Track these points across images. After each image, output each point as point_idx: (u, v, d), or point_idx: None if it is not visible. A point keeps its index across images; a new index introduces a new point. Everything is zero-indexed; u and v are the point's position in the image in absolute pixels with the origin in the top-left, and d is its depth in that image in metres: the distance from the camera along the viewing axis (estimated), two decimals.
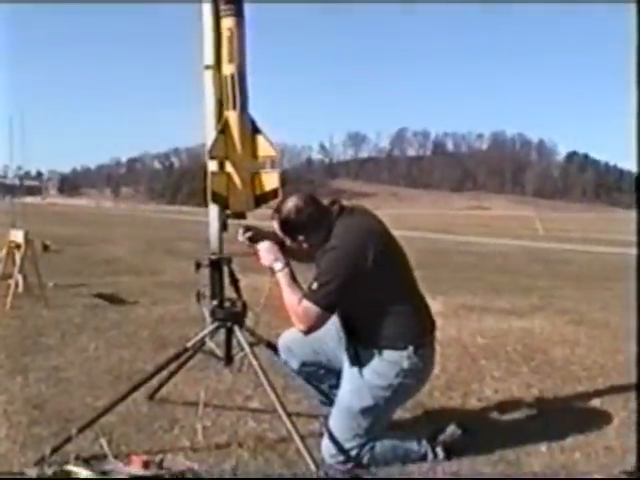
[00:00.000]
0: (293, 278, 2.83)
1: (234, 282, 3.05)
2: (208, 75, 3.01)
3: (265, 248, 2.90)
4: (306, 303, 2.69)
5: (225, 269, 3.01)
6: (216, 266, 3.00)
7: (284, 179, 3.09)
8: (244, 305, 3.06)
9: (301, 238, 2.82)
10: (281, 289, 2.81)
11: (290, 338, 3.08)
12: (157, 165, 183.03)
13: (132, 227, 26.57)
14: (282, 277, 2.81)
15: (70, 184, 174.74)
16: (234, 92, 2.94)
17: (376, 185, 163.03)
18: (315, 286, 2.68)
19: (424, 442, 2.93)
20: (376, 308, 2.76)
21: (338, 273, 2.67)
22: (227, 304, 3.04)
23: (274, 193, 3.02)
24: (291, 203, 2.82)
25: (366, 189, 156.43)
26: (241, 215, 3.02)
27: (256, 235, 2.96)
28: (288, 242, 2.88)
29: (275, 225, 2.86)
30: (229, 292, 3.10)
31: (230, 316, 3.02)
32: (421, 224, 36.87)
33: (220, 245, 3.03)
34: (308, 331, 2.73)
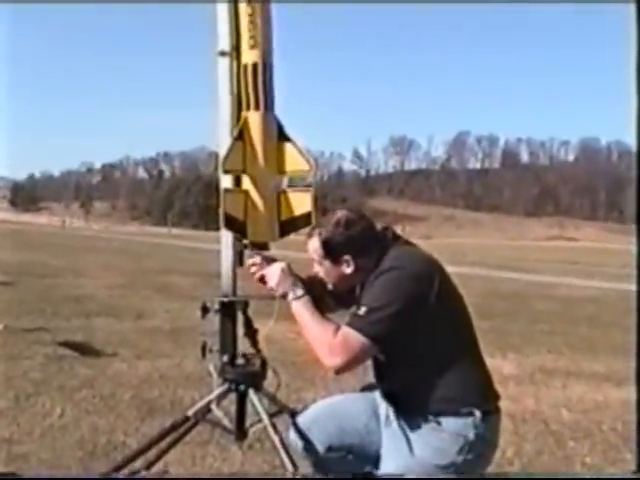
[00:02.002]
0: (318, 308, 2.86)
1: (251, 332, 3.08)
2: (223, 64, 3.07)
3: (280, 269, 2.93)
4: (347, 330, 2.69)
5: (239, 315, 3.05)
6: (228, 311, 3.03)
7: (317, 199, 3.13)
8: (263, 363, 3.08)
9: (347, 258, 2.85)
10: (302, 322, 2.81)
11: (311, 417, 3.07)
12: (142, 173, 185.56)
13: (109, 254, 26.83)
14: (303, 305, 2.83)
15: (26, 195, 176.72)
16: (256, 86, 3.00)
17: (427, 206, 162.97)
18: (363, 311, 2.69)
19: None
20: (433, 358, 2.76)
21: (398, 297, 2.68)
22: (241, 361, 3.06)
23: (306, 218, 3.04)
24: (340, 214, 2.88)
25: (413, 211, 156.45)
26: (262, 246, 3.05)
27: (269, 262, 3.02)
28: (326, 276, 2.91)
29: (313, 243, 2.89)
30: (243, 343, 3.13)
31: (244, 377, 3.05)
32: (485, 258, 36.69)
33: (234, 284, 3.06)
34: (344, 366, 2.69)
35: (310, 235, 2.92)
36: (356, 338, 2.66)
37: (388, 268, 2.74)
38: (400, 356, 2.78)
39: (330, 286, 2.97)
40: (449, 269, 2.91)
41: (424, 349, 2.76)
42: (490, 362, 3.02)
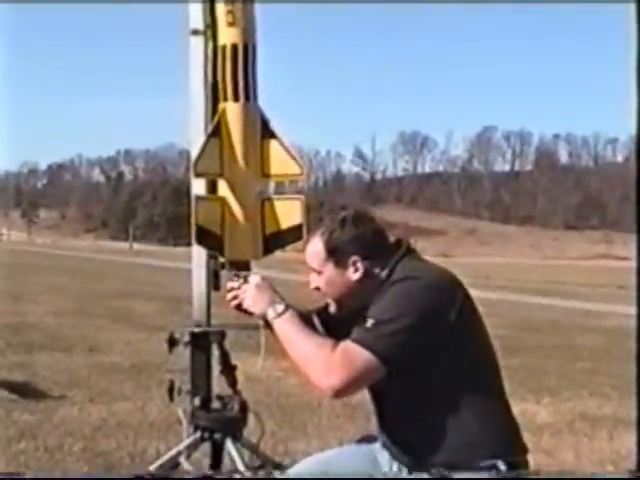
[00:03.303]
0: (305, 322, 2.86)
1: (228, 370, 3.09)
2: (195, 45, 3.10)
3: (253, 286, 2.91)
4: (348, 344, 2.66)
5: (215, 349, 3.06)
6: (201, 344, 3.04)
7: (309, 208, 3.15)
8: (243, 406, 3.10)
9: (354, 259, 2.85)
10: (288, 341, 2.79)
11: (300, 474, 3.05)
12: (97, 176, 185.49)
13: (56, 274, 26.79)
14: (288, 321, 2.81)
15: None
16: (236, 72, 3.02)
17: (444, 217, 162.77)
18: (369, 323, 2.67)
19: None
20: (449, 391, 2.76)
21: (412, 309, 2.67)
22: (216, 404, 3.07)
23: (295, 232, 3.06)
24: (346, 212, 2.92)
25: (428, 223, 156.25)
26: (243, 265, 3.07)
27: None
28: (327, 286, 2.90)
29: (314, 245, 2.89)
30: (219, 383, 3.14)
31: (220, 423, 3.06)
32: (515, 281, 36.73)
33: (208, 311, 3.08)
34: (344, 387, 2.65)
35: (309, 239, 2.93)
36: (359, 353, 2.63)
37: (402, 278, 2.75)
38: (409, 385, 2.76)
39: (332, 307, 2.96)
40: (471, 293, 2.91)
41: (439, 378, 2.75)
42: (520, 407, 3.03)
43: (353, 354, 2.63)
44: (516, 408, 2.95)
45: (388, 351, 2.63)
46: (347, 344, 2.65)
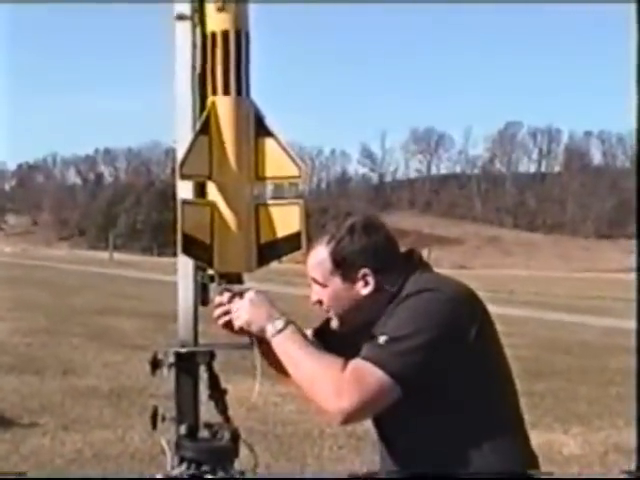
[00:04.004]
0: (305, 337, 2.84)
1: (218, 394, 3.10)
2: (181, 32, 3.11)
3: (247, 301, 2.89)
4: (360, 363, 2.65)
5: (202, 371, 3.07)
6: (187, 366, 3.05)
7: (310, 213, 3.16)
8: (234, 435, 3.10)
9: (365, 272, 2.84)
10: (292, 360, 2.78)
11: None
12: (73, 177, 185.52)
13: (26, 287, 26.77)
14: (290, 338, 2.79)
15: None
16: (227, 63, 3.03)
17: (462, 223, 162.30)
18: (382, 340, 2.67)
19: None
20: (466, 417, 2.76)
21: (430, 325, 2.67)
22: (204, 433, 3.08)
23: (293, 241, 3.05)
24: (354, 219, 2.92)
25: (443, 230, 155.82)
26: (234, 278, 3.06)
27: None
28: (333, 301, 2.90)
29: (317, 254, 2.89)
30: (207, 411, 3.15)
31: (209, 454, 3.06)
32: (542, 296, 36.70)
33: (195, 329, 3.08)
34: (355, 411, 2.64)
35: (312, 245, 2.93)
36: (372, 373, 2.61)
37: (416, 291, 2.75)
38: (421, 408, 2.75)
39: (334, 323, 2.95)
40: (492, 309, 2.92)
41: (454, 402, 2.76)
42: (546, 437, 3.05)
43: (365, 374, 2.62)
44: (541, 438, 2.97)
45: (404, 371, 2.62)
46: (358, 363, 2.64)
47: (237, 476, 3.10)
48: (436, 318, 2.68)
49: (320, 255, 2.88)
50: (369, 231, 2.86)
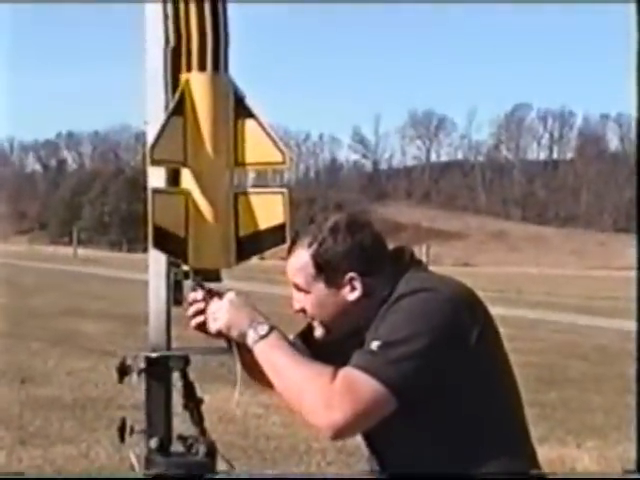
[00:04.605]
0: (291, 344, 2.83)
1: (193, 404, 3.10)
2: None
3: (227, 302, 2.88)
4: (351, 372, 2.65)
5: (175, 378, 3.07)
6: (159, 372, 3.05)
7: (296, 204, 3.15)
8: (211, 448, 3.10)
9: (351, 276, 2.84)
10: (276, 369, 2.77)
11: None
12: (33, 165, 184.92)
13: None
14: (274, 345, 2.77)
15: None
16: (203, 34, 3.03)
17: (464, 216, 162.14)
18: (375, 345, 2.66)
19: None
20: (463, 429, 2.77)
21: (427, 328, 2.67)
22: (178, 446, 3.08)
23: (276, 234, 3.05)
24: (338, 217, 2.92)
25: (444, 224, 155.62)
26: (211, 275, 3.07)
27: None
28: (316, 308, 2.89)
29: (299, 257, 2.89)
30: (181, 422, 3.15)
31: (182, 470, 3.06)
32: (554, 296, 36.76)
33: (168, 331, 3.08)
34: (348, 425, 2.63)
35: (292, 248, 2.93)
36: (365, 382, 2.61)
37: (411, 291, 2.75)
38: (416, 419, 2.76)
39: (318, 331, 2.95)
40: (498, 311, 2.91)
41: (452, 413, 2.77)
42: (558, 452, 3.06)
43: (357, 383, 2.62)
44: (552, 453, 2.98)
45: (400, 379, 2.62)
46: (349, 371, 2.64)
47: None
48: (434, 320, 2.68)
49: (301, 259, 2.89)
50: (353, 230, 2.87)
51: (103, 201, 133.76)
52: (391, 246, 2.98)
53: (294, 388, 2.71)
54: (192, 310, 2.99)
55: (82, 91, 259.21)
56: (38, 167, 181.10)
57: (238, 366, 2.91)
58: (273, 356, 2.76)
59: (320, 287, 2.88)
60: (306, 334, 3.04)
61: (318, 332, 2.94)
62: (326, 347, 2.93)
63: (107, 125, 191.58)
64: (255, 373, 2.94)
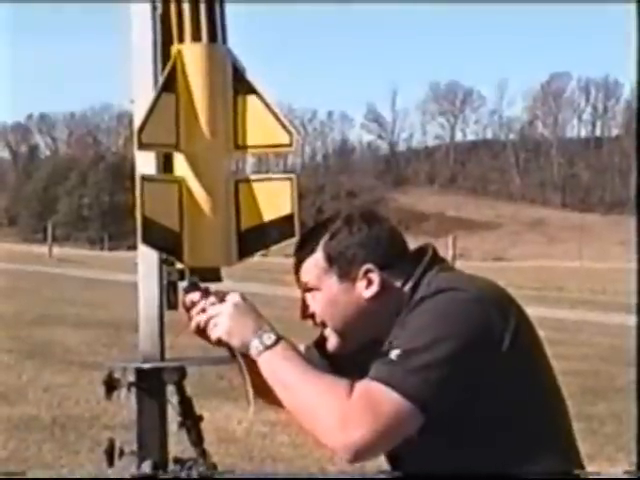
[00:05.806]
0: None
1: (191, 422, 3.11)
2: None
3: (231, 306, 2.84)
4: (370, 384, 2.63)
5: (170, 393, 3.08)
6: (151, 386, 3.06)
7: (302, 192, 3.16)
8: (211, 469, 3.11)
9: (368, 267, 2.85)
10: (285, 383, 2.75)
11: None
12: (0, 151, 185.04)
13: None
14: (281, 355, 2.75)
15: None
16: (196, 4, 3.04)
17: (496, 203, 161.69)
18: (395, 355, 2.65)
19: None
20: (497, 448, 2.78)
21: (453, 332, 2.66)
22: (173, 467, 3.09)
23: (283, 226, 3.06)
24: (350, 211, 2.95)
25: (472, 212, 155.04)
26: (210, 274, 3.07)
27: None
28: (328, 307, 2.89)
29: (313, 258, 2.91)
30: (178, 441, 3.16)
31: None
32: (599, 293, 36.72)
33: (161, 340, 3.09)
34: (368, 445, 2.60)
35: (300, 246, 2.95)
36: (386, 396, 2.59)
37: (434, 292, 2.75)
38: (447, 438, 2.77)
39: (332, 341, 2.95)
40: (536, 312, 2.91)
41: (485, 429, 2.77)
42: (608, 472, 3.05)
43: (377, 397, 2.59)
44: (601, 473, 2.97)
45: (424, 391, 2.60)
46: (367, 384, 2.62)
47: None
48: (460, 323, 2.68)
49: (314, 259, 2.92)
50: (370, 221, 2.90)
51: (81, 192, 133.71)
52: (411, 239, 2.99)
53: (305, 404, 2.70)
54: (194, 311, 2.93)
55: (56, 65, 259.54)
56: (6, 155, 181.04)
57: (246, 374, 2.84)
58: (281, 368, 2.74)
59: (332, 282, 2.89)
60: (322, 343, 3.03)
61: (331, 342, 2.94)
62: (342, 360, 2.94)
63: (84, 105, 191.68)
64: (260, 390, 2.90)
